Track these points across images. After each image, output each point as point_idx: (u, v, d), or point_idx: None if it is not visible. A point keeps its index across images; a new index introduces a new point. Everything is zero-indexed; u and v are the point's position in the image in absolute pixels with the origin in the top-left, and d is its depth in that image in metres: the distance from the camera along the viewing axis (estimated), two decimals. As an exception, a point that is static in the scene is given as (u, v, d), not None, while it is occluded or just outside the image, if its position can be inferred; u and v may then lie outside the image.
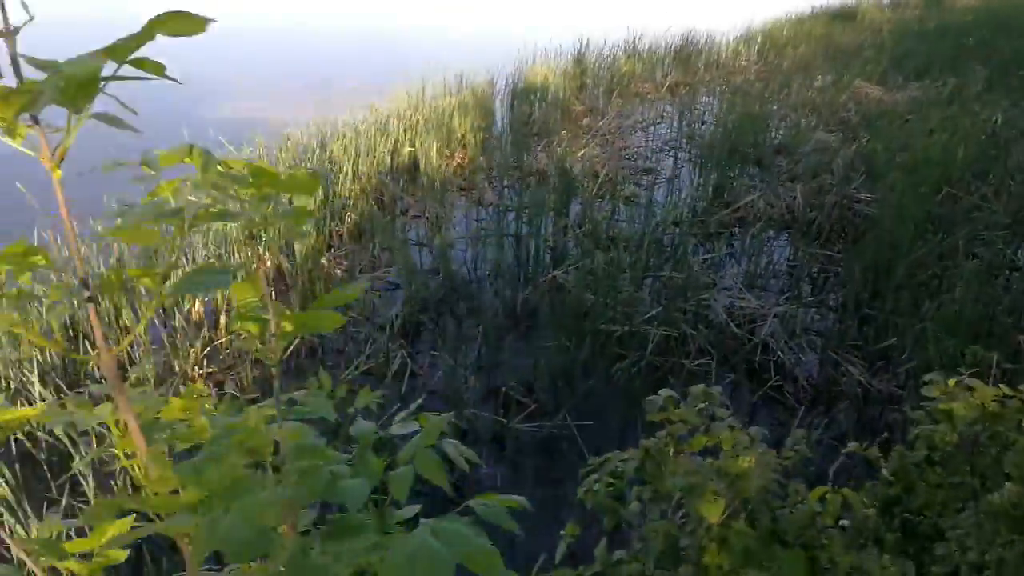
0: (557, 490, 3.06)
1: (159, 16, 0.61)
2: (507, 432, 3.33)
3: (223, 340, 3.89)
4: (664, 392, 1.53)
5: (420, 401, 3.57)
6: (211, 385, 3.57)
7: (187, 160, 0.84)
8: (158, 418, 0.93)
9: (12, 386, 3.26)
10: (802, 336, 4.07)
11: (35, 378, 3.28)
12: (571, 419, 3.41)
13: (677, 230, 5.44)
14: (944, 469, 1.59)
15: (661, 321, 4.04)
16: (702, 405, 1.53)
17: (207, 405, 0.99)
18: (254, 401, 3.18)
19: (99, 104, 0.63)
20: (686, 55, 11.91)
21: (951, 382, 1.64)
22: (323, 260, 4.77)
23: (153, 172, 0.77)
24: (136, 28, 0.60)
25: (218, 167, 0.85)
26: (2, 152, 1.08)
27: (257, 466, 0.86)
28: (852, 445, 1.99)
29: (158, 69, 0.63)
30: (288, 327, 0.90)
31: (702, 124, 8.47)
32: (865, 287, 4.51)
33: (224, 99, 8.77)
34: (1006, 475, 1.47)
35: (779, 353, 3.91)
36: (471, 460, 0.99)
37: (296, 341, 3.96)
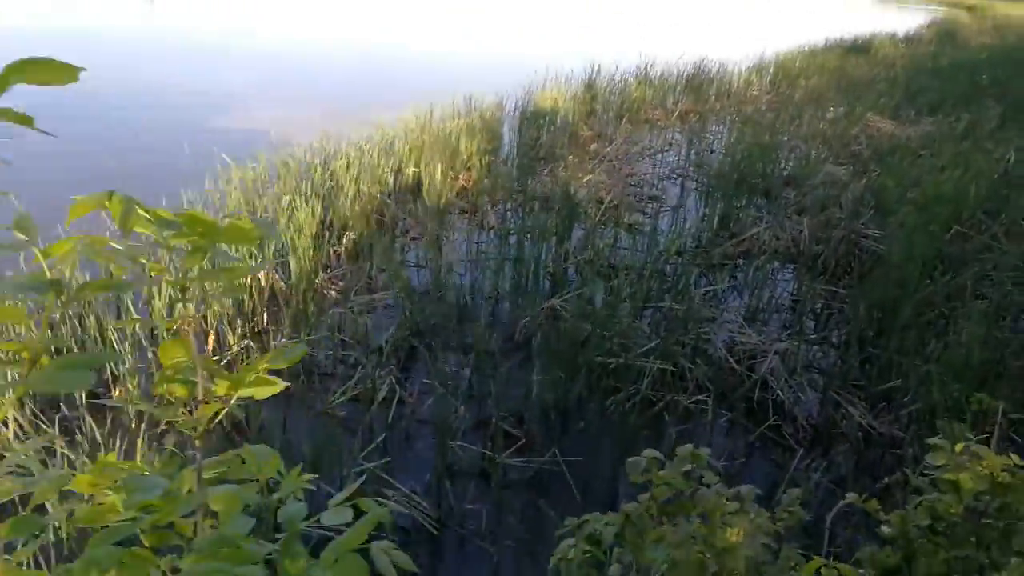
0: (543, 531, 2.96)
1: (16, 64, 0.54)
2: (495, 467, 3.23)
3: (213, 357, 3.81)
4: (648, 453, 1.43)
5: (405, 426, 3.49)
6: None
7: (107, 206, 0.77)
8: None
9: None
10: (803, 374, 3.97)
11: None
12: (562, 455, 3.30)
13: (680, 260, 5.36)
14: (948, 540, 1.49)
15: (659, 354, 3.95)
16: (689, 467, 1.42)
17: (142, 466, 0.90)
18: (229, 436, 3.07)
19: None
20: (698, 83, 11.88)
21: (958, 447, 1.53)
22: (317, 280, 4.70)
23: (25, 238, 0.70)
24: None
25: (145, 215, 0.77)
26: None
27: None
28: (851, 496, 1.89)
29: (25, 120, 0.57)
30: (221, 390, 0.82)
31: (711, 153, 8.41)
32: (870, 325, 4.41)
33: (229, 116, 8.78)
34: (1017, 552, 1.37)
35: (779, 391, 3.81)
36: (405, 568, 0.87)
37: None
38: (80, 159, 6.36)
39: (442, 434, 3.29)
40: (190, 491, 0.82)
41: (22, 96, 0.55)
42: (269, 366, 0.80)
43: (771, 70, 13.54)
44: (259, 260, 4.56)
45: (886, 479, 3.30)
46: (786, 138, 8.59)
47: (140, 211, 0.74)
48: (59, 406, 3.35)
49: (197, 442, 0.80)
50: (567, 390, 3.75)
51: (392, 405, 3.59)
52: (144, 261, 0.77)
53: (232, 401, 0.82)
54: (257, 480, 0.88)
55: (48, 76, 0.57)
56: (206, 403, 0.80)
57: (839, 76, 13.27)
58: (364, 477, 2.96)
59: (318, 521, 0.87)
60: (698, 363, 3.95)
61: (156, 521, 0.76)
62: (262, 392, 0.81)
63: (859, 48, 16.87)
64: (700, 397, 3.71)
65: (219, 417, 0.82)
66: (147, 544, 0.78)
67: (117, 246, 0.77)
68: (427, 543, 2.88)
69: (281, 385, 0.82)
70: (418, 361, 4.03)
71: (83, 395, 3.38)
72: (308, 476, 0.93)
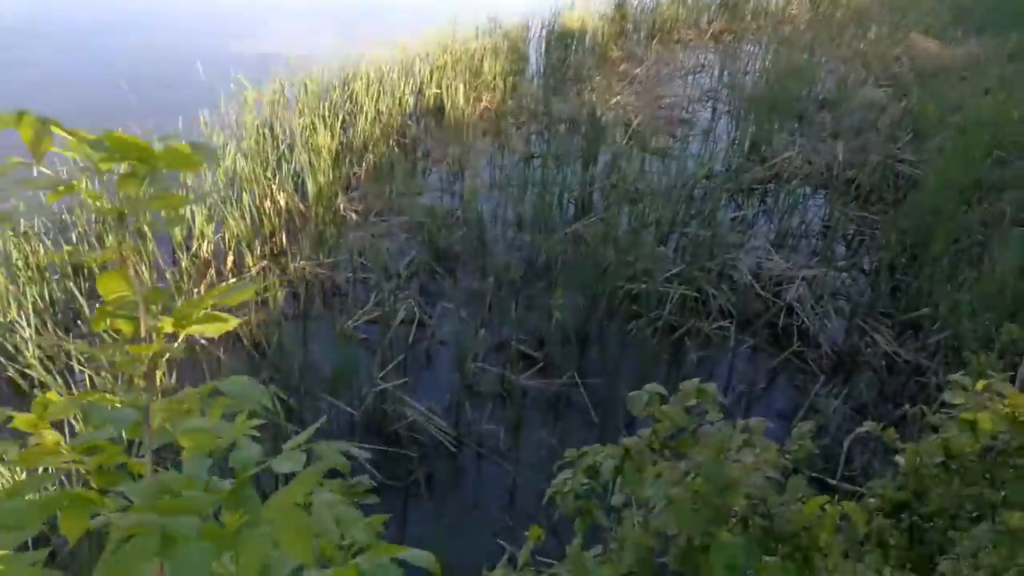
0: (560, 451, 2.96)
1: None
2: (513, 388, 3.23)
3: (230, 281, 3.83)
4: (650, 387, 1.37)
5: (425, 347, 3.50)
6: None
7: (17, 129, 0.68)
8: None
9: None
10: (830, 301, 3.88)
11: (28, 314, 3.25)
12: (580, 378, 3.29)
13: (708, 185, 5.22)
14: (961, 478, 1.44)
15: (683, 280, 3.88)
16: (693, 403, 1.37)
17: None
18: (254, 350, 3.08)
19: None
20: (734, 1, 11.37)
21: (979, 384, 1.46)
22: (337, 202, 4.66)
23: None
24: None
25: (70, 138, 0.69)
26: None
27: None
28: (868, 424, 1.84)
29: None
30: (167, 327, 0.75)
31: (745, 75, 8.10)
32: (902, 252, 4.28)
33: (247, 35, 8.60)
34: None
35: (804, 318, 3.74)
36: (347, 524, 0.78)
37: (305, 285, 3.89)
38: (92, 84, 6.29)
39: (461, 355, 3.29)
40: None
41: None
42: (217, 302, 0.74)
43: (812, -13, 12.88)
44: (276, 181, 4.51)
45: (906, 407, 3.26)
46: (824, 59, 8.23)
47: (62, 133, 0.66)
48: (79, 321, 3.39)
49: (140, 382, 0.74)
50: (588, 315, 3.72)
51: (412, 327, 3.58)
52: (76, 187, 0.69)
53: (178, 342, 0.76)
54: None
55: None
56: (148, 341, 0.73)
57: (884, -6, 12.61)
58: (381, 393, 2.99)
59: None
60: (723, 289, 3.88)
61: (103, 462, 0.71)
62: (212, 329, 0.74)
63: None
64: (723, 323, 3.66)
65: (165, 356, 0.75)
66: (96, 486, 0.72)
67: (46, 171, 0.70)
68: (446, 459, 2.91)
69: (233, 322, 0.75)
70: (438, 284, 4.00)
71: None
72: (256, 422, 0.85)
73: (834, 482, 2.80)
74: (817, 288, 3.94)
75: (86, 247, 3.79)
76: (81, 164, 0.70)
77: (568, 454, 1.44)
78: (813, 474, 1.55)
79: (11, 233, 3.59)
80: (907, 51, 8.55)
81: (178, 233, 4.10)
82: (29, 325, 3.10)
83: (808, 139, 5.91)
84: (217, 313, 0.74)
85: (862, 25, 9.83)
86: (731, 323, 3.64)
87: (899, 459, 1.70)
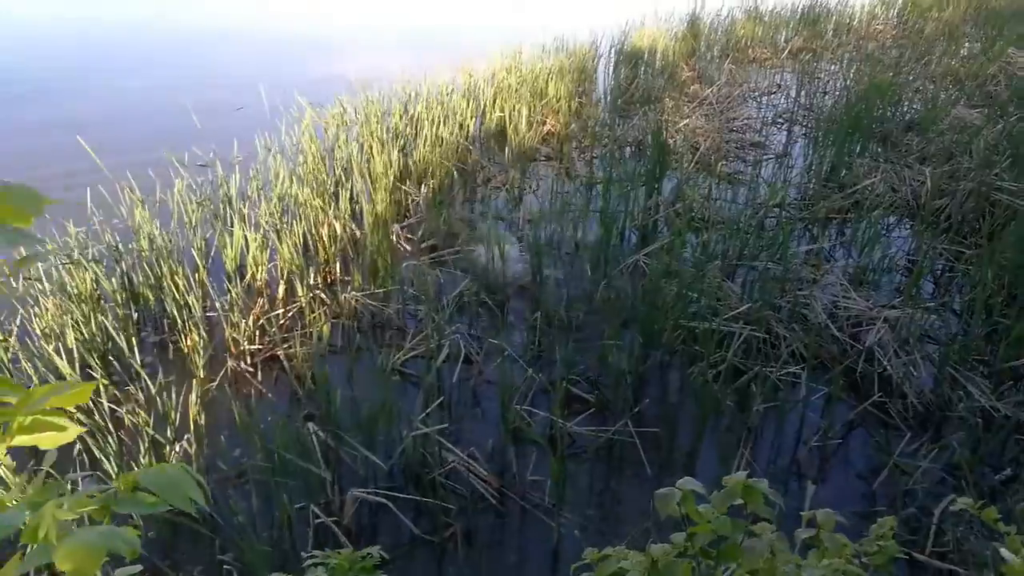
0: (611, 508, 2.74)
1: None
2: (562, 434, 3.02)
3: (280, 311, 3.75)
4: (684, 482, 1.15)
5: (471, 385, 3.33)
6: (260, 364, 3.43)
7: None
8: None
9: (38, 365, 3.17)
10: (916, 346, 3.52)
11: (69, 348, 3.24)
12: (635, 425, 3.05)
13: (781, 214, 4.91)
14: None
15: (750, 319, 3.60)
16: (739, 502, 1.13)
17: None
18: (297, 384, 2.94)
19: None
20: (813, 18, 10.94)
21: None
22: (393, 230, 4.56)
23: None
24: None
25: None
26: None
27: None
28: (963, 501, 1.57)
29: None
30: None
31: (823, 95, 7.70)
32: (999, 291, 3.87)
33: (314, 59, 8.71)
34: None
35: (886, 364, 3.40)
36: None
37: (354, 317, 3.78)
38: (165, 109, 6.42)
39: (507, 397, 3.10)
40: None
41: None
42: (46, 407, 0.58)
43: (899, 2, 12.31)
44: (332, 207, 4.45)
45: (1007, 471, 2.90)
46: (911, 78, 7.75)
47: None
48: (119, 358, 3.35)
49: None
50: (646, 354, 3.48)
51: (458, 364, 3.42)
52: None
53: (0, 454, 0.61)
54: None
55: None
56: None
57: (978, 7, 11.94)
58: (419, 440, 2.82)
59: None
60: (794, 330, 3.58)
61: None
62: (45, 441, 0.59)
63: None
64: (794, 368, 3.35)
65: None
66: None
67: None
68: (486, 512, 2.72)
69: (74, 432, 0.59)
70: (488, 318, 3.83)
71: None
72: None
73: (923, 558, 2.49)
74: (901, 331, 3.59)
75: (138, 276, 3.79)
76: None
77: (587, 555, 1.23)
78: (901, 551, 1.29)
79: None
80: (1004, 69, 7.99)
81: (230, 261, 4.07)
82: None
83: (893, 164, 5.51)
84: (52, 419, 0.57)
85: (954, 41, 9.28)
86: (803, 368, 3.33)
87: (1003, 552, 1.42)
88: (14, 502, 0.68)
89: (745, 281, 4.04)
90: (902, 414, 3.19)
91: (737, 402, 3.22)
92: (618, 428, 3.04)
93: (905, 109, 6.83)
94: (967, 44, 9.29)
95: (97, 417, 2.81)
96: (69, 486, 2.39)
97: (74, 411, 2.74)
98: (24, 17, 11.37)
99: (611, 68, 8.20)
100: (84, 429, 0.65)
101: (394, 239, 4.49)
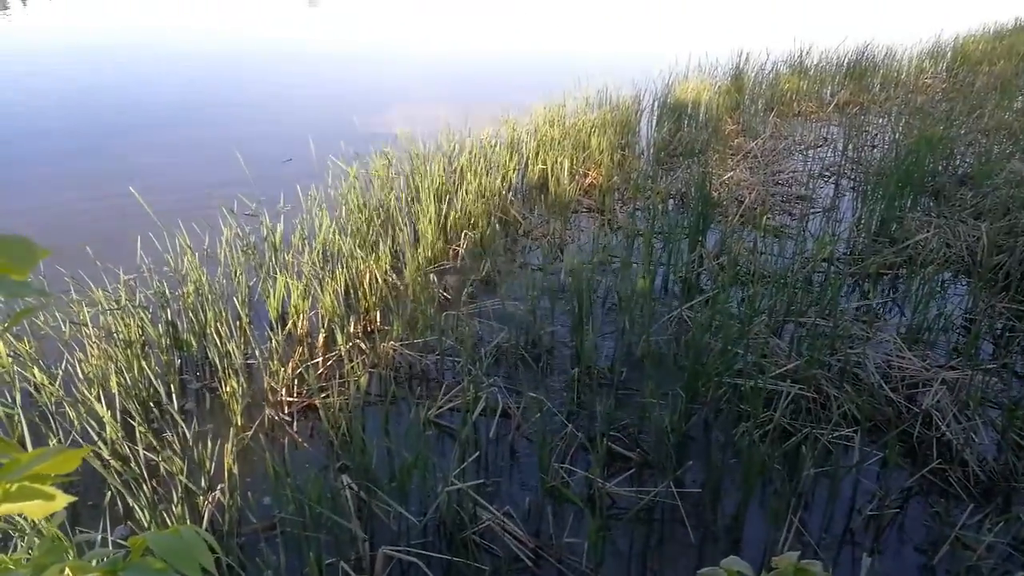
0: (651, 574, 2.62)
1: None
2: (601, 494, 2.91)
3: (319, 360, 3.74)
4: (730, 561, 1.06)
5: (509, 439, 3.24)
6: (297, 413, 3.41)
7: None
8: None
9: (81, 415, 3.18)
10: (977, 409, 3.34)
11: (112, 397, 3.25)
12: (677, 487, 2.93)
13: (829, 269, 4.78)
14: None
15: (798, 377, 3.47)
16: None
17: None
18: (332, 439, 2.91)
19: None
20: (860, 71, 10.86)
21: None
22: (434, 281, 4.55)
23: None
24: None
25: None
26: None
27: None
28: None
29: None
30: None
31: (871, 148, 7.59)
32: (1065, 353, 3.69)
33: (365, 108, 8.90)
34: None
35: (945, 429, 3.23)
36: None
37: (389, 367, 3.74)
38: (221, 161, 6.60)
39: (545, 453, 3.01)
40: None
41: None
42: (32, 473, 0.54)
43: (948, 55, 12.19)
44: (374, 257, 4.47)
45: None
46: (963, 131, 7.60)
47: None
48: (160, 407, 3.36)
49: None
50: (689, 412, 3.37)
51: (495, 417, 3.35)
52: None
53: None
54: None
55: None
56: None
57: (1030, 61, 11.74)
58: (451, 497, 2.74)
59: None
60: (845, 390, 3.43)
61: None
62: (32, 509, 0.55)
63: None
64: (846, 431, 3.21)
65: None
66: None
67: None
68: (520, 575, 2.62)
69: (62, 501, 0.56)
70: (527, 371, 3.77)
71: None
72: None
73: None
74: (960, 393, 3.42)
75: (183, 322, 3.82)
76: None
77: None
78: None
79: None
80: (1061, 121, 7.79)
81: (273, 309, 4.10)
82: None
83: (946, 219, 5.35)
84: (38, 487, 0.54)
85: (1006, 94, 9.10)
86: (856, 431, 3.18)
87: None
88: (19, 563, 0.65)
89: (793, 338, 3.91)
90: (963, 483, 3.01)
91: (785, 465, 3.08)
92: (659, 490, 2.93)
93: (957, 163, 6.67)
94: (1020, 97, 9.10)
95: (132, 465, 2.80)
96: (97, 536, 2.35)
97: (109, 459, 2.74)
98: (69, 81, 11.91)
99: (654, 120, 8.21)
100: (74, 499, 0.62)
101: (434, 289, 4.48)
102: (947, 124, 7.59)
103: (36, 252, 0.56)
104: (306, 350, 3.82)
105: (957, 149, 6.89)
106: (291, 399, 3.47)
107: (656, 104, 8.54)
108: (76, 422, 3.10)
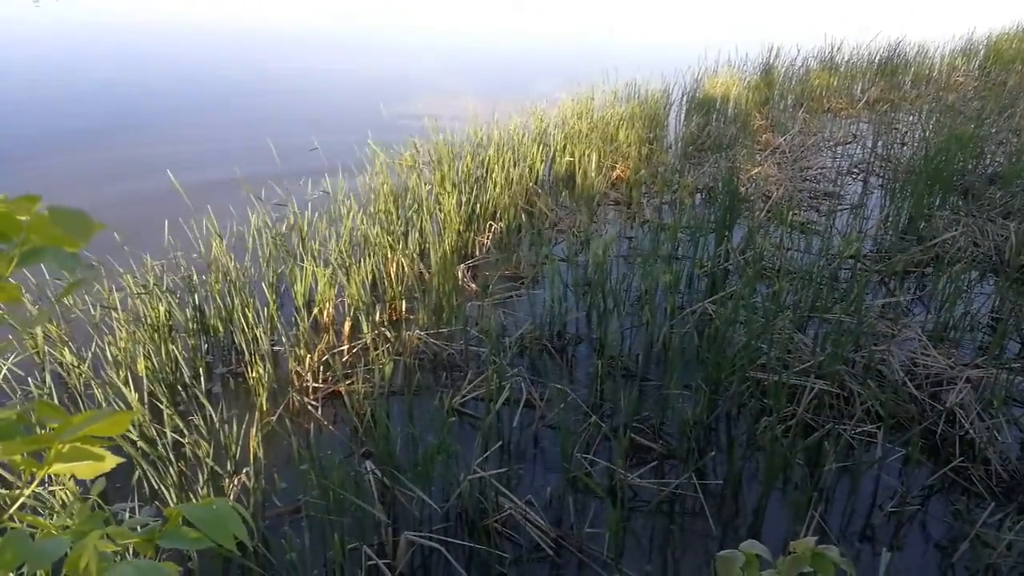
0: (672, 565, 2.65)
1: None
2: (623, 485, 2.95)
3: (345, 347, 3.81)
4: (748, 544, 1.08)
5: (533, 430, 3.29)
6: (322, 399, 3.47)
7: None
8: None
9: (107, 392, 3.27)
10: (1002, 408, 3.34)
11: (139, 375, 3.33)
12: (699, 479, 2.96)
13: (856, 266, 4.76)
14: None
15: (822, 373, 3.48)
16: (807, 570, 1.06)
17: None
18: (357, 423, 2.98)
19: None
20: (891, 68, 10.74)
21: None
22: (460, 271, 4.61)
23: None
24: None
25: None
26: None
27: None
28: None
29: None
30: (18, 463, 0.61)
31: (901, 146, 7.52)
32: (1094, 355, 3.66)
33: (393, 98, 8.96)
34: None
35: (968, 427, 3.22)
36: None
37: (413, 356, 3.80)
38: (251, 151, 6.69)
39: (567, 444, 3.05)
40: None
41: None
42: (84, 434, 0.58)
43: (981, 52, 12.00)
44: (400, 247, 4.52)
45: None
46: (994, 130, 7.50)
47: None
48: (188, 388, 3.44)
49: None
50: (712, 405, 3.39)
51: (519, 407, 3.40)
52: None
53: (34, 484, 0.61)
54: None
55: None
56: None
57: (1067, 59, 11.52)
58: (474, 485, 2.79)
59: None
60: (869, 386, 3.43)
61: None
62: (82, 470, 0.59)
63: (1095, 26, 14.59)
64: (869, 427, 3.21)
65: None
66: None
67: None
68: (541, 563, 2.66)
69: (111, 462, 0.60)
70: (551, 362, 3.81)
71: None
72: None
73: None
74: (985, 392, 3.41)
75: (210, 308, 3.91)
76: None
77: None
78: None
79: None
80: (1097, 121, 7.66)
81: (300, 296, 4.17)
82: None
83: (975, 218, 5.31)
84: (88, 447, 0.58)
85: (1041, 93, 8.96)
86: (879, 428, 3.19)
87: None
88: (59, 530, 0.69)
89: (817, 334, 3.91)
90: (985, 481, 3.01)
91: (808, 460, 3.09)
92: (681, 481, 2.96)
93: (988, 162, 6.60)
94: (1055, 96, 8.96)
95: (159, 447, 2.88)
96: (126, 514, 2.44)
97: (137, 439, 2.82)
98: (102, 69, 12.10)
99: (682, 115, 8.19)
100: (122, 460, 0.65)
101: (460, 279, 4.53)
102: (978, 123, 7.49)
103: (91, 225, 0.61)
104: (332, 337, 3.89)
105: (987, 148, 6.81)
106: (316, 385, 3.54)
107: (685, 98, 8.51)
108: (104, 403, 3.19)
